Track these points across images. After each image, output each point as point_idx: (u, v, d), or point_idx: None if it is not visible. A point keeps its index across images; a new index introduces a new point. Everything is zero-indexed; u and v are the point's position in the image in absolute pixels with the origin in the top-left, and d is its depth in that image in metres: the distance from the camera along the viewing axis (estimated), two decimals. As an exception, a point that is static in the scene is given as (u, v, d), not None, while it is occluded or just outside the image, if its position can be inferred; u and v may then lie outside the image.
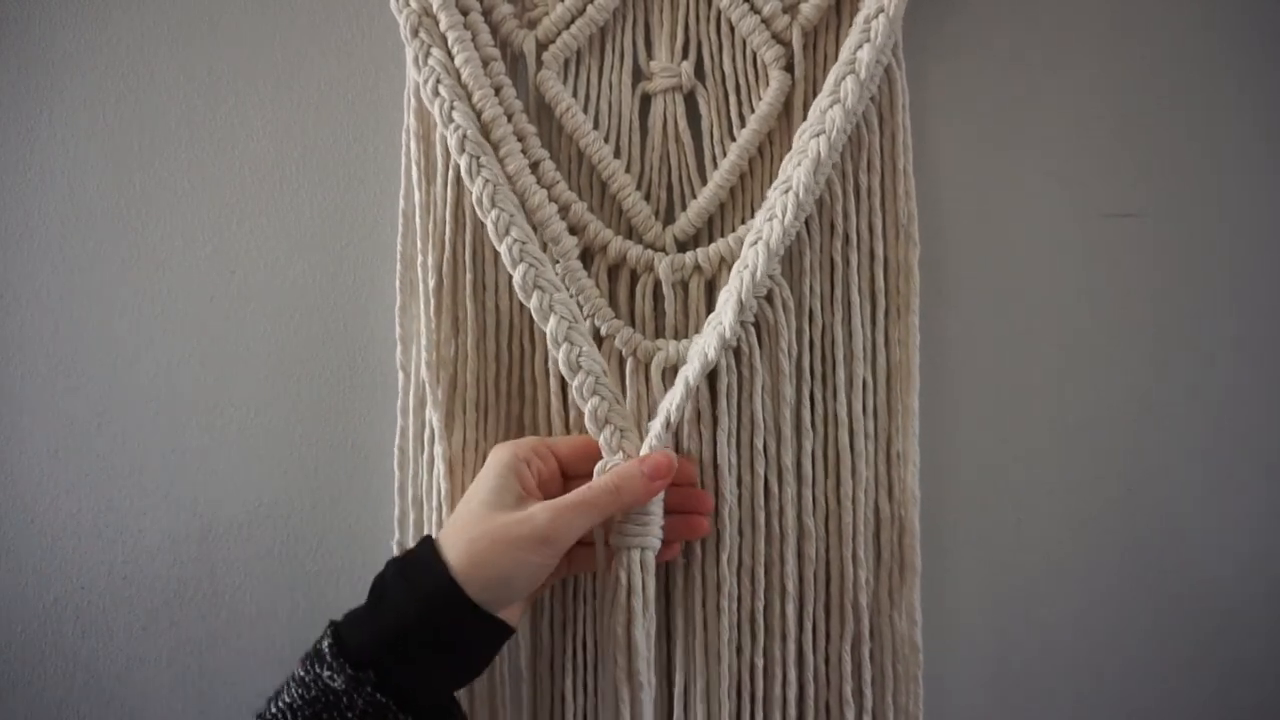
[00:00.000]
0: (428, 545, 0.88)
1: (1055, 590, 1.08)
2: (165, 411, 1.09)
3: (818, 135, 0.96)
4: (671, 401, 0.95)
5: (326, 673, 0.82)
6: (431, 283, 1.00)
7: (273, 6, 1.09)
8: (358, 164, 1.08)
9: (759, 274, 0.95)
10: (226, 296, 1.09)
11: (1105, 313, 1.08)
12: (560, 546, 0.88)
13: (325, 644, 0.84)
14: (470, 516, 0.89)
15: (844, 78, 0.96)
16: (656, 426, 0.94)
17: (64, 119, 1.09)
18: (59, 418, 1.10)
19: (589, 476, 0.94)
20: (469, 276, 1.00)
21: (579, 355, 0.95)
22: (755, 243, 0.96)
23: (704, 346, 0.95)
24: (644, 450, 0.94)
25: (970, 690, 1.08)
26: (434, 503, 1.01)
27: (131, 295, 1.09)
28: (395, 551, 1.02)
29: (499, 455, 0.93)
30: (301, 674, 0.84)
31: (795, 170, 0.96)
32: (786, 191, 0.96)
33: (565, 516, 0.88)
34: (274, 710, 0.83)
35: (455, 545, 0.86)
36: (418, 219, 1.01)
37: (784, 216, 0.95)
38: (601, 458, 0.94)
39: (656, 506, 0.94)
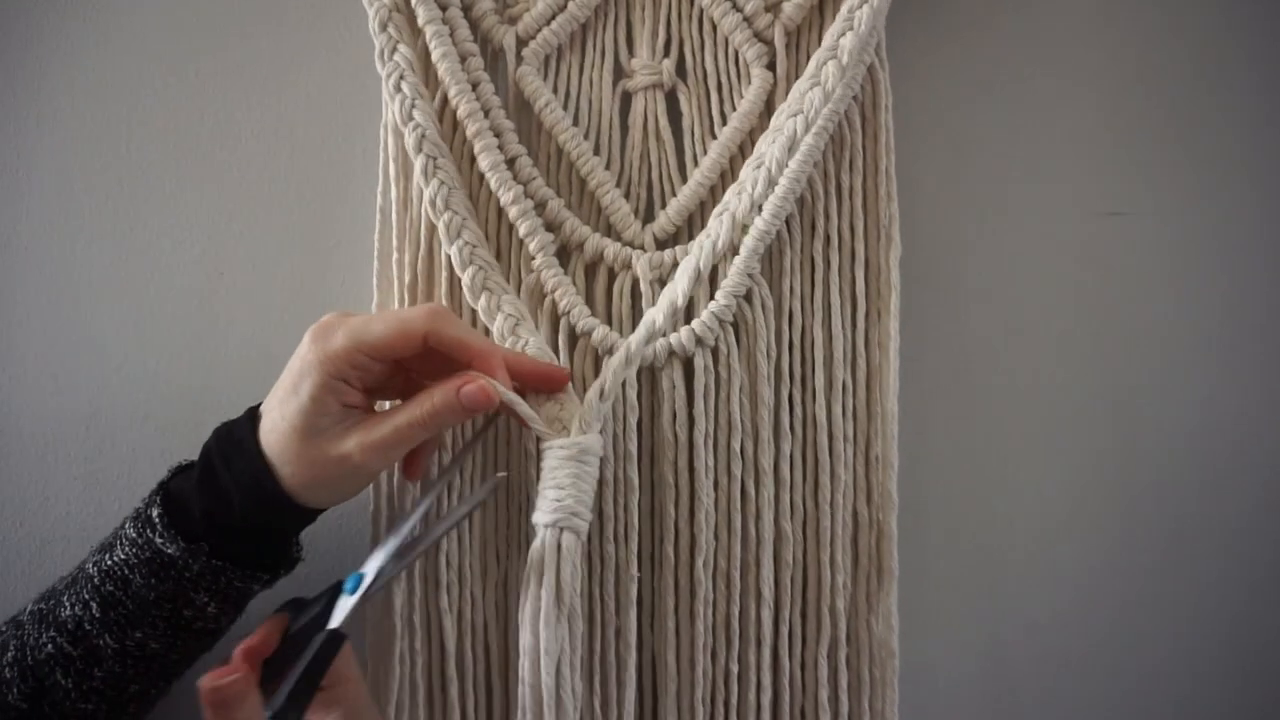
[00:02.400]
0: (253, 441, 0.86)
1: (1037, 594, 1.08)
2: (154, 414, 1.09)
3: (795, 115, 0.95)
4: (605, 377, 0.92)
5: (159, 540, 0.84)
6: (406, 279, 1.00)
7: (260, 7, 1.09)
8: (346, 165, 1.08)
9: (720, 244, 0.94)
10: (215, 298, 1.09)
11: (1092, 313, 1.07)
12: (380, 470, 0.89)
13: (155, 513, 0.86)
14: (284, 437, 0.85)
15: (825, 63, 0.96)
16: (591, 394, 0.92)
17: (51, 120, 1.09)
18: (48, 420, 1.09)
19: (422, 361, 0.89)
20: (444, 274, 0.99)
21: (524, 348, 0.94)
22: (721, 214, 0.96)
23: (653, 315, 0.94)
24: (575, 424, 0.91)
25: (951, 695, 1.08)
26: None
27: (120, 297, 1.09)
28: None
29: (314, 369, 0.86)
30: (134, 535, 0.86)
31: (770, 147, 0.95)
32: (759, 167, 0.95)
33: (379, 451, 0.85)
34: (110, 562, 0.86)
35: (280, 457, 0.85)
36: (394, 215, 1.01)
37: (753, 190, 0.94)
38: (419, 343, 0.85)
39: (585, 483, 0.89)
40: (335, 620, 0.85)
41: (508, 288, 0.96)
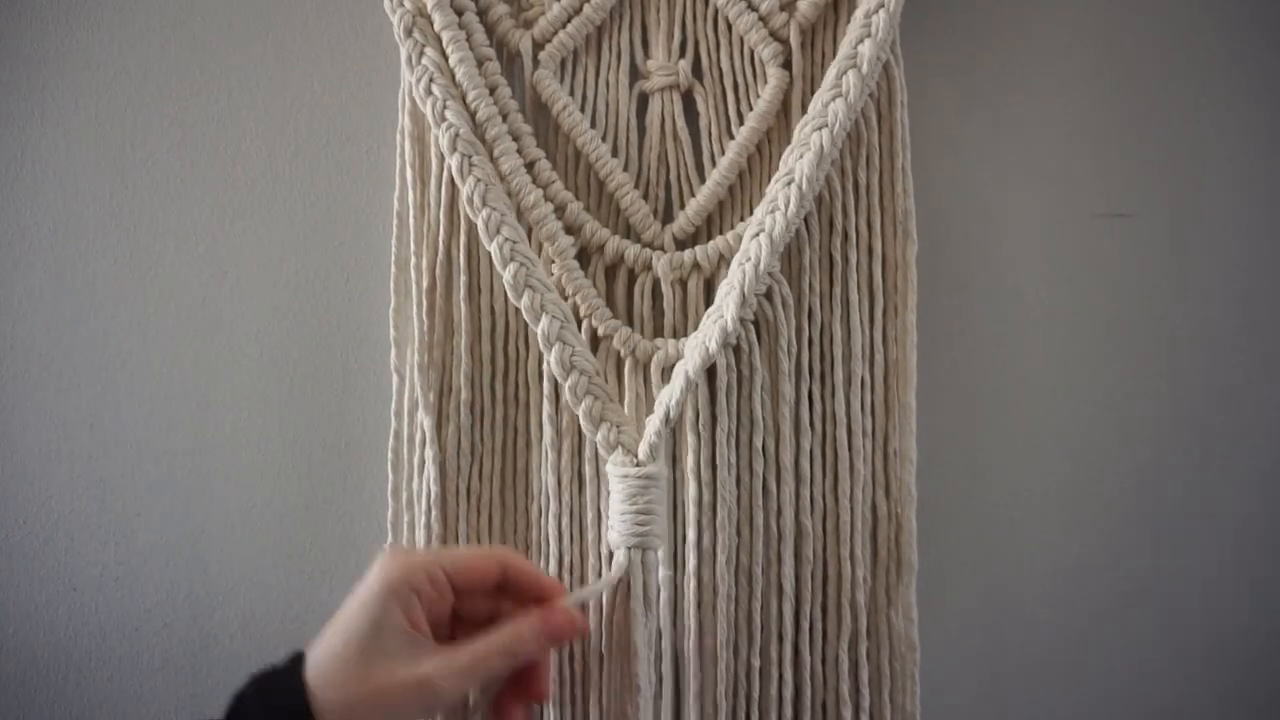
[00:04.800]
0: (297, 687, 0.79)
1: (1050, 589, 1.08)
2: (158, 412, 1.09)
3: (820, 128, 0.95)
4: (671, 396, 0.94)
5: None
6: (425, 284, 1.00)
7: (265, 6, 1.08)
8: (350, 164, 1.08)
9: (761, 267, 0.94)
10: (219, 297, 1.09)
11: (1099, 311, 1.08)
12: (448, 704, 0.85)
13: None
14: (347, 664, 0.79)
15: (846, 72, 0.96)
16: (655, 422, 0.94)
17: (56, 119, 1.09)
18: (51, 419, 1.09)
19: (480, 595, 0.88)
20: (463, 278, 0.99)
21: (572, 355, 0.94)
22: (757, 235, 0.95)
23: (704, 340, 0.94)
24: (643, 447, 0.94)
25: (964, 688, 1.08)
26: (424, 505, 1.00)
27: (123, 296, 1.09)
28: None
29: (384, 581, 0.81)
30: None
31: (798, 163, 0.95)
32: (789, 184, 0.95)
33: (458, 679, 0.81)
34: None
35: (329, 702, 0.77)
36: (411, 220, 1.01)
37: (787, 208, 0.94)
38: (496, 572, 0.88)
39: (660, 506, 0.94)
40: None
41: (551, 285, 0.96)
